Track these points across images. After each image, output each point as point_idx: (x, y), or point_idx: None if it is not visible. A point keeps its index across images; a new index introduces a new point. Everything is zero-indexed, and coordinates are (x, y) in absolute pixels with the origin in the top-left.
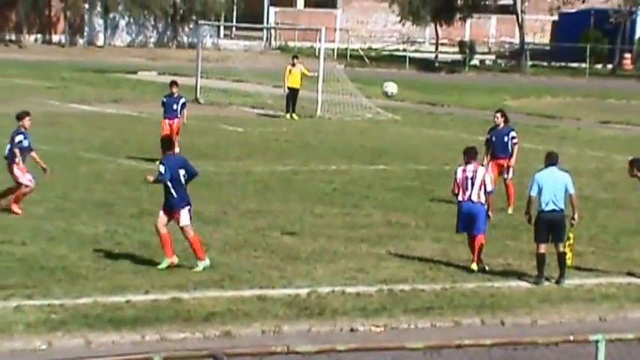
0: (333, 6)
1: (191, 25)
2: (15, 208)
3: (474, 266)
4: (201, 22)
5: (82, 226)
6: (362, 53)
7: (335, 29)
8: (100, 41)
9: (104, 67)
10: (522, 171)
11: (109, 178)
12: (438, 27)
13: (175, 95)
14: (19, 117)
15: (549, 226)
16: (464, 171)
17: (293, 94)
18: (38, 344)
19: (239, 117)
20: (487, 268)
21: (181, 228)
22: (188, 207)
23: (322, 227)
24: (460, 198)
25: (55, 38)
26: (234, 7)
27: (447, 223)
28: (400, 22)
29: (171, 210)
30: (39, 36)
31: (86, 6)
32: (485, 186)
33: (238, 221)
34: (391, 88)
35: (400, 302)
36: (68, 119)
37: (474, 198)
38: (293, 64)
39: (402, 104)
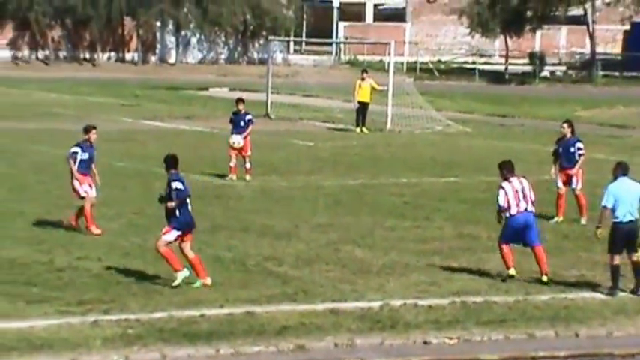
0: (402, 19)
1: (261, 41)
2: (93, 229)
3: (545, 278)
4: (271, 37)
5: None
6: (431, 66)
7: (404, 43)
8: (172, 58)
9: (176, 84)
10: (594, 182)
11: None
12: (508, 39)
13: (242, 112)
14: (86, 130)
15: (626, 237)
16: (512, 185)
17: (363, 107)
18: (115, 358)
19: (309, 131)
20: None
21: (160, 237)
22: (180, 230)
23: (394, 240)
24: (514, 211)
25: (128, 56)
26: (304, 23)
27: None
28: (469, 34)
29: (189, 229)
30: (112, 54)
31: (158, 24)
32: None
33: (310, 235)
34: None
35: (473, 314)
36: (142, 136)
37: (529, 208)
38: (363, 78)
39: (472, 116)
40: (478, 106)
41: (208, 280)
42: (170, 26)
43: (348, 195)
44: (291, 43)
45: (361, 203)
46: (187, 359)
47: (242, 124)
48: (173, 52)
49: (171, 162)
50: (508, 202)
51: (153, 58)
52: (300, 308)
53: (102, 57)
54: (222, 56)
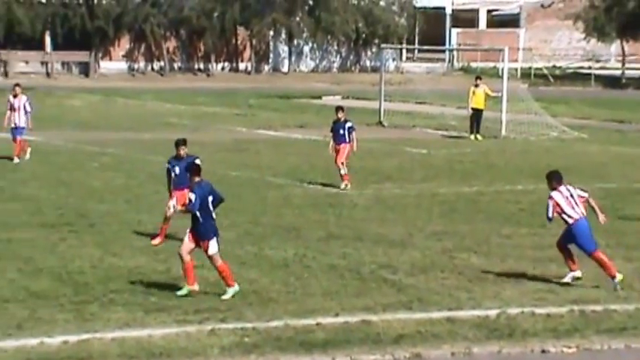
0: (516, 25)
1: (374, 49)
2: (156, 240)
3: (620, 276)
4: (384, 45)
5: (271, 250)
6: (546, 72)
7: (518, 49)
8: (285, 67)
9: (289, 92)
10: None
11: (297, 203)
12: (625, 43)
13: (342, 120)
14: (176, 145)
15: None
16: (561, 193)
17: (477, 114)
18: None
19: (423, 139)
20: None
21: (209, 257)
22: (216, 237)
23: (510, 248)
24: (577, 216)
25: (242, 66)
26: (416, 30)
27: (638, 242)
28: (585, 39)
29: (199, 238)
30: (226, 64)
31: (271, 33)
32: (581, 197)
33: (425, 243)
34: None
35: (592, 323)
36: (255, 145)
37: (584, 213)
38: (476, 85)
39: (589, 122)
40: (594, 111)
41: (196, 287)
42: (283, 35)
43: (463, 202)
44: (404, 51)
45: (476, 210)
46: None
47: (341, 132)
48: (286, 61)
49: (192, 170)
50: (562, 210)
51: (266, 68)
52: (416, 316)
53: (216, 67)
54: (335, 64)
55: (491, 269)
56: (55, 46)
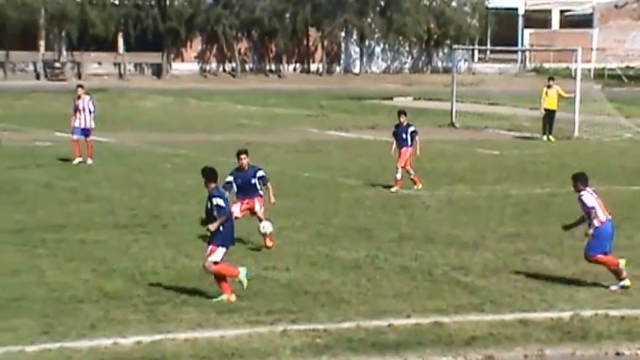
0: (589, 26)
1: (445, 50)
2: (267, 241)
3: (627, 283)
4: (456, 46)
5: (343, 251)
6: (619, 72)
7: (591, 49)
8: (356, 69)
9: (360, 93)
10: None
11: (369, 204)
12: None
13: (404, 124)
14: (237, 155)
15: None
16: (592, 194)
17: (550, 115)
18: None
19: (495, 140)
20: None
21: (207, 260)
22: (225, 246)
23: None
24: (604, 219)
25: (313, 67)
26: (488, 31)
27: None
28: None
29: (233, 243)
30: (297, 65)
31: (342, 34)
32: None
33: (497, 245)
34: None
35: None
36: (327, 146)
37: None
38: (549, 86)
39: None
40: None
41: (233, 297)
42: (354, 36)
43: (536, 204)
44: (476, 52)
45: (549, 212)
46: None
47: (404, 135)
48: (357, 62)
49: (210, 175)
50: (595, 212)
51: (337, 69)
52: (489, 318)
53: (287, 68)
54: (407, 65)
55: (564, 271)
56: (128, 48)
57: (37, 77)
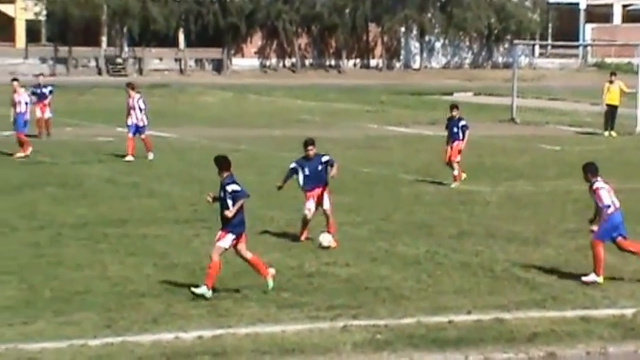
0: None
1: (506, 45)
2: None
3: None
4: (517, 41)
5: (403, 247)
6: None
7: None
8: (416, 64)
9: (420, 89)
10: None
11: (429, 200)
12: None
13: (456, 118)
14: (304, 145)
15: None
16: (605, 184)
17: (611, 111)
18: None
19: (556, 136)
20: None
21: (215, 246)
22: (234, 233)
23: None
24: (613, 209)
25: (373, 62)
26: (549, 26)
27: None
28: None
29: (221, 226)
30: (357, 61)
31: (402, 30)
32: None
33: (558, 241)
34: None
35: None
36: (387, 142)
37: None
38: (611, 81)
39: None
40: None
41: (272, 271)
42: (414, 32)
43: None
44: (537, 47)
45: None
46: None
47: (455, 129)
48: (417, 58)
49: (223, 164)
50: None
51: (397, 64)
52: (550, 315)
53: (347, 63)
54: (467, 61)
55: (625, 267)
56: (188, 43)
57: (99, 73)
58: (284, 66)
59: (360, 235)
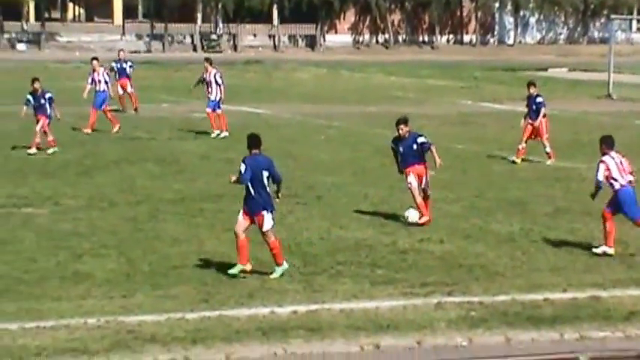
0: None
1: (602, 20)
2: (423, 219)
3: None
4: (613, 16)
5: (497, 224)
6: None
7: None
8: (511, 39)
9: (514, 65)
10: None
11: (523, 176)
12: None
13: (533, 95)
14: (396, 124)
15: None
16: (613, 158)
17: None
18: (459, 340)
19: None
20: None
21: (263, 233)
22: (269, 211)
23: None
24: (624, 182)
25: (466, 38)
26: None
27: None
28: None
29: (251, 213)
30: (451, 36)
31: (497, 5)
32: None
33: None
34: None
35: None
36: (480, 118)
37: (631, 180)
38: None
39: None
40: None
41: (248, 267)
42: (509, 7)
43: None
44: (634, 21)
45: None
46: (531, 343)
47: (534, 107)
48: (511, 33)
49: (251, 142)
50: (611, 174)
51: (491, 40)
52: None
53: (440, 39)
54: (562, 36)
55: None
56: (282, 20)
57: (194, 49)
58: (377, 42)
59: (453, 212)
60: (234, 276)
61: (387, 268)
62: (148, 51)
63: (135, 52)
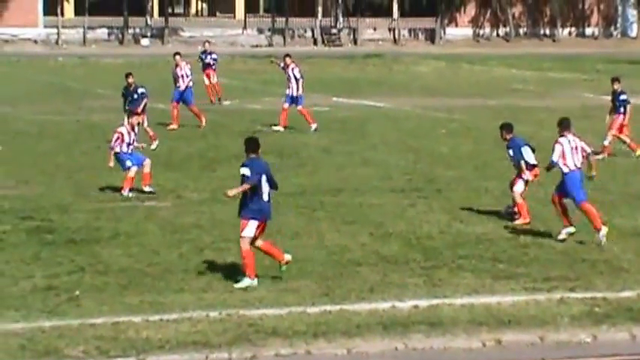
0: None
1: None
2: (520, 221)
3: (605, 230)
4: None
5: (621, 218)
6: None
7: None
8: (634, 32)
9: (638, 58)
10: None
11: None
12: None
13: (618, 91)
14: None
15: None
16: (568, 141)
17: None
18: (583, 337)
19: None
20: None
21: (241, 236)
22: (257, 220)
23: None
24: (572, 166)
25: (588, 31)
26: None
27: None
28: None
29: (240, 214)
30: (572, 29)
31: None
32: (584, 150)
33: None
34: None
35: None
36: (603, 112)
37: (579, 165)
38: None
39: None
40: None
41: (288, 257)
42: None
43: None
44: None
45: None
46: None
47: (617, 104)
48: (634, 26)
49: (249, 145)
50: (564, 157)
51: (614, 32)
52: None
53: (562, 32)
54: None
55: None
56: (402, 13)
57: (315, 43)
58: (497, 35)
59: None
60: (243, 289)
61: (509, 263)
62: (270, 45)
63: (256, 46)
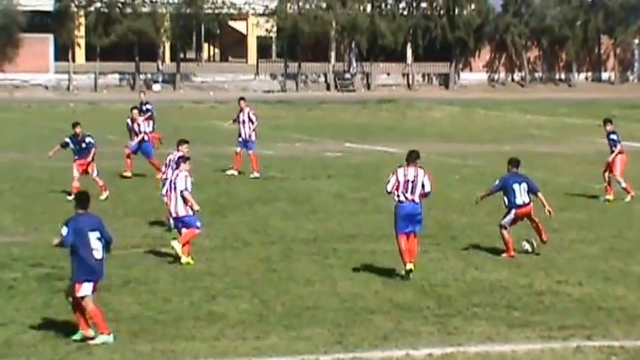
0: None
1: None
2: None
3: (409, 266)
4: None
5: (638, 266)
6: None
7: None
8: None
9: None
10: None
11: None
12: None
13: (608, 131)
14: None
15: None
16: (405, 173)
17: None
18: None
19: None
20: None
21: (80, 298)
22: (88, 281)
23: None
24: (403, 199)
25: (605, 75)
26: None
27: None
28: None
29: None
30: (589, 74)
31: (636, 41)
32: (424, 187)
33: None
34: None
35: None
36: None
37: (416, 199)
38: None
39: None
40: None
41: (91, 332)
42: None
43: None
44: None
45: None
46: None
47: (609, 143)
48: None
49: (77, 200)
50: (398, 188)
51: (630, 77)
52: None
53: (578, 77)
54: None
55: None
56: (416, 58)
57: (328, 88)
58: (512, 80)
59: (592, 253)
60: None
61: (524, 310)
62: (282, 90)
63: (269, 91)
